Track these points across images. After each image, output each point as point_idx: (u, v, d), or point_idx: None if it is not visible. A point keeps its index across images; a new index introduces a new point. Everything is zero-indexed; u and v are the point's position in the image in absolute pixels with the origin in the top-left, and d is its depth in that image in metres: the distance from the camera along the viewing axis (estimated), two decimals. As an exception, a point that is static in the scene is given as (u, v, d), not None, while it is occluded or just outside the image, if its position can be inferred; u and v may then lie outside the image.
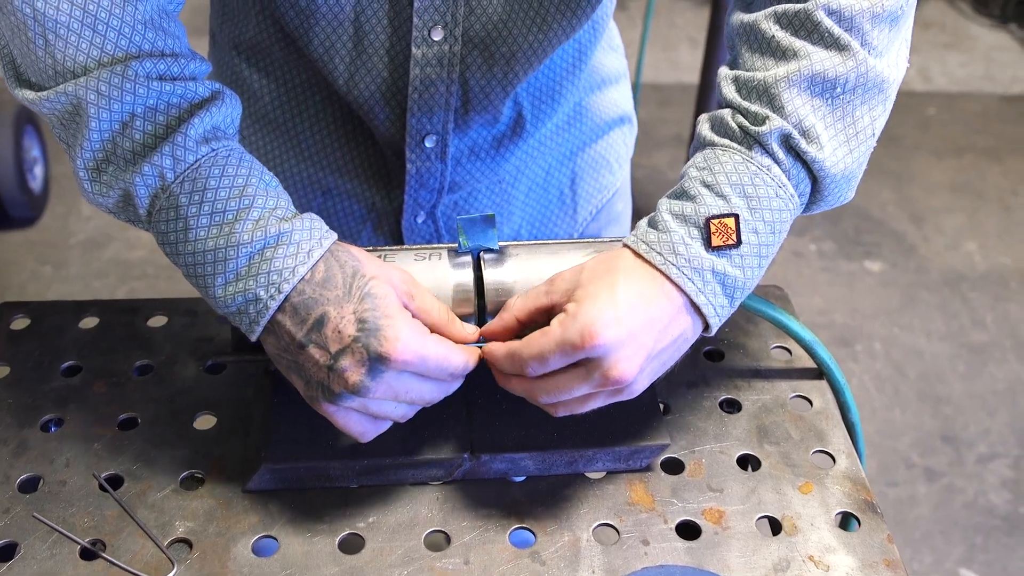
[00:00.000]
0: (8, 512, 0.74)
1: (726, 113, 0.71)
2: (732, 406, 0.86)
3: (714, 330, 0.69)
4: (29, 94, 0.70)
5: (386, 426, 0.70)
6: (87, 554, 0.71)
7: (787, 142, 0.69)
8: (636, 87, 2.71)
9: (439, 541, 0.73)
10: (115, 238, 2.70)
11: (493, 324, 0.72)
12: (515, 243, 0.79)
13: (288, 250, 0.66)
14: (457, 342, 0.70)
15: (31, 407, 0.82)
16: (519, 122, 0.95)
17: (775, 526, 0.76)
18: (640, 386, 0.68)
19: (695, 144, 0.74)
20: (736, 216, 0.67)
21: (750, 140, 0.69)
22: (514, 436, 0.77)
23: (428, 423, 0.77)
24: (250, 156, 0.71)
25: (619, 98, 1.08)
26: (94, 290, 2.52)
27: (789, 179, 0.69)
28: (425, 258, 0.77)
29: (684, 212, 0.68)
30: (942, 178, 3.07)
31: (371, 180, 0.96)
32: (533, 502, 0.76)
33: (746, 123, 0.69)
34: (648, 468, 0.79)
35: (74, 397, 0.83)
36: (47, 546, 0.72)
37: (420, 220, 0.98)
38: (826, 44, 0.69)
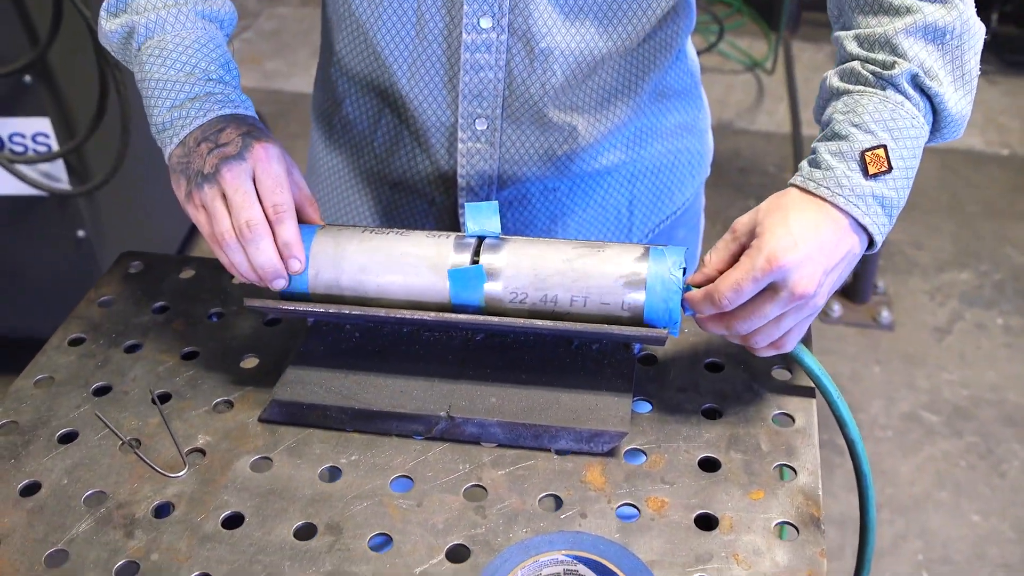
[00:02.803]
0: (79, 408, 0.91)
1: (855, 64, 0.85)
2: (713, 415, 0.89)
3: (879, 245, 0.83)
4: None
5: (243, 213, 0.85)
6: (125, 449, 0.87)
7: (915, 81, 0.82)
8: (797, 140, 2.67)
9: (404, 484, 0.83)
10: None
11: (693, 280, 0.84)
12: (517, 236, 0.88)
13: (223, 99, 0.90)
14: (308, 219, 0.91)
15: (122, 332, 1.00)
16: (572, 135, 1.03)
17: (712, 523, 0.79)
18: (822, 300, 0.80)
19: (824, 96, 0.87)
20: (885, 147, 0.80)
21: (883, 83, 0.82)
22: (488, 404, 0.85)
23: (418, 386, 0.87)
24: (226, 48, 0.94)
25: (688, 123, 1.14)
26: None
27: (919, 112, 0.82)
28: (434, 238, 0.88)
29: (841, 150, 0.81)
30: None
31: (429, 177, 1.08)
32: (495, 467, 0.84)
33: (877, 69, 0.83)
34: (611, 454, 0.85)
35: (156, 330, 1.00)
36: (98, 438, 0.88)
37: None
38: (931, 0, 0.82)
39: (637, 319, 0.84)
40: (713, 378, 0.93)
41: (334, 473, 0.84)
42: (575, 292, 0.84)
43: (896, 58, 0.82)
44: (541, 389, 0.87)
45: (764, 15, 3.95)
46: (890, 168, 0.80)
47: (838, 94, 0.85)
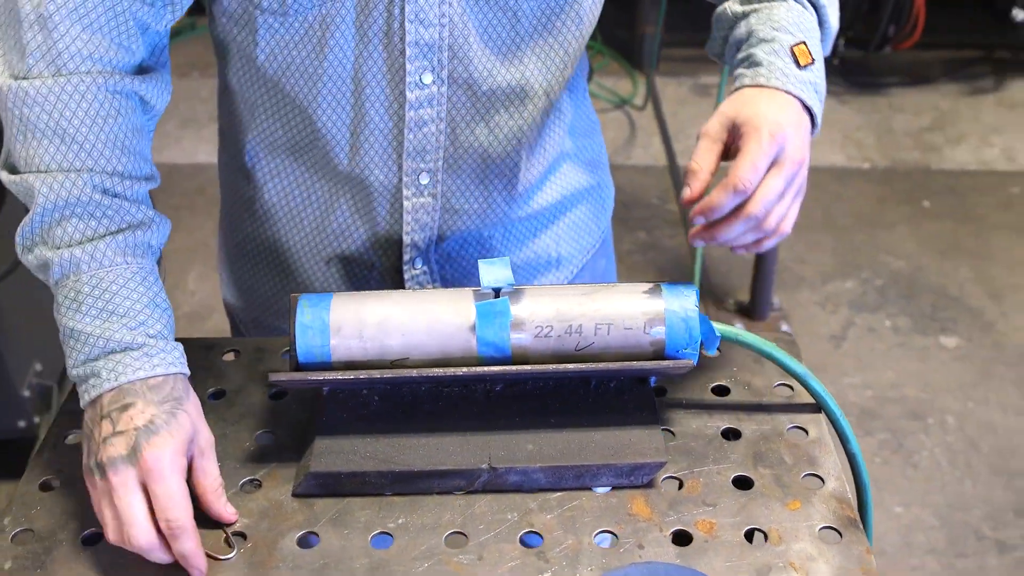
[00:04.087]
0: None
1: None
2: (733, 435, 0.94)
3: (819, 127, 0.93)
4: (6, 176, 0.88)
5: (130, 529, 0.78)
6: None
7: None
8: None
9: (458, 540, 0.83)
10: (216, 311, 2.91)
11: (695, 191, 0.88)
12: (526, 286, 0.90)
13: (141, 357, 0.83)
14: (214, 516, 0.83)
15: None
16: (513, 173, 1.07)
17: (762, 536, 0.83)
18: (806, 172, 0.90)
19: (725, 25, 0.99)
20: (805, 42, 0.92)
21: None
22: (527, 451, 0.87)
23: (453, 442, 0.88)
24: (153, 280, 0.87)
25: (597, 158, 1.21)
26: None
27: (815, 19, 0.97)
28: (452, 293, 0.89)
29: (774, 49, 0.91)
30: (1022, 256, 3.05)
31: (369, 242, 1.09)
32: (543, 511, 0.86)
33: None
34: (650, 485, 0.88)
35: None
36: (127, 534, 0.84)
37: (419, 268, 1.10)
38: None
39: (659, 349, 0.88)
40: (722, 402, 0.98)
41: (385, 539, 0.84)
42: (598, 320, 0.87)
43: None
44: (573, 431, 0.89)
45: (625, 54, 4.12)
46: (813, 60, 0.92)
47: (744, 15, 0.97)
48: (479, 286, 0.88)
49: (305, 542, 0.84)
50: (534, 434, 0.89)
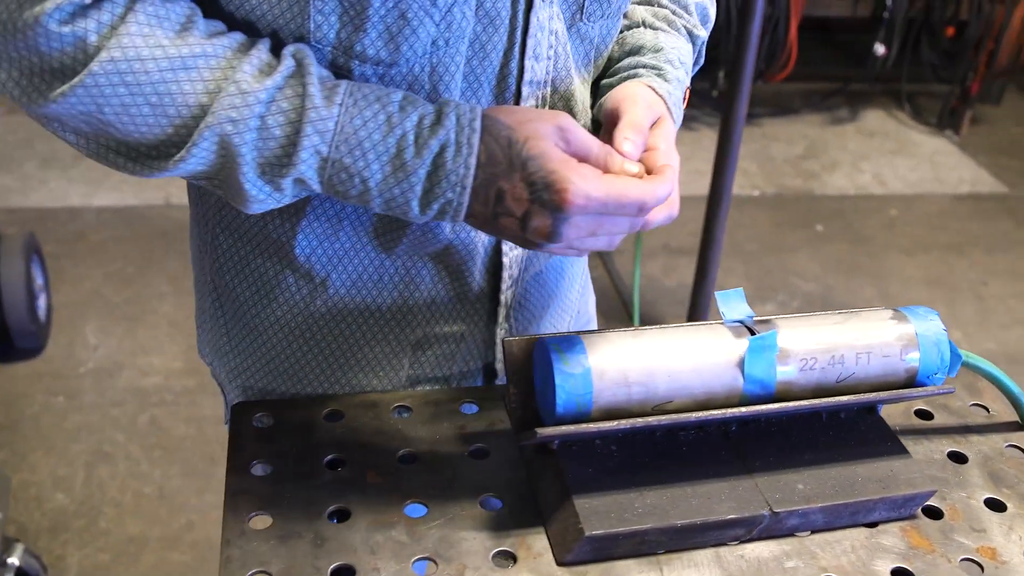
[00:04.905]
0: (335, 602, 0.75)
1: (667, 12, 1.00)
2: (958, 458, 0.93)
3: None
4: (165, 161, 0.75)
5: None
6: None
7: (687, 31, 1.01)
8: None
9: (755, 596, 0.77)
10: (126, 366, 2.65)
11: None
12: (773, 317, 0.86)
13: (451, 151, 0.74)
14: (618, 174, 0.78)
15: (310, 500, 0.84)
16: None
17: (1046, 559, 0.82)
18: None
19: (629, 23, 0.98)
20: (690, 89, 0.98)
21: (686, 33, 1.00)
22: (798, 492, 0.82)
23: (719, 489, 0.82)
24: (362, 83, 0.77)
25: None
26: (113, 418, 2.47)
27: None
28: (705, 327, 0.83)
29: (677, 77, 0.93)
30: (915, 273, 3.27)
31: (458, 313, 0.99)
32: (825, 552, 0.81)
33: (685, 22, 1.00)
34: (913, 516, 0.85)
35: (351, 489, 0.85)
36: (389, 627, 0.73)
37: (504, 328, 1.02)
38: None
39: (911, 376, 0.86)
40: (924, 426, 0.96)
41: (680, 601, 0.76)
42: (859, 349, 0.84)
43: (685, 14, 1.01)
44: (832, 466, 0.85)
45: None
46: (687, 102, 0.96)
47: (653, 27, 0.97)
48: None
49: (596, 615, 0.75)
50: (796, 473, 0.84)
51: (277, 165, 0.75)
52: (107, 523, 2.16)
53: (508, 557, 0.79)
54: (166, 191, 3.44)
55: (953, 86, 4.18)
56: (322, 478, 0.86)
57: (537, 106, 0.89)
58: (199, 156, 0.74)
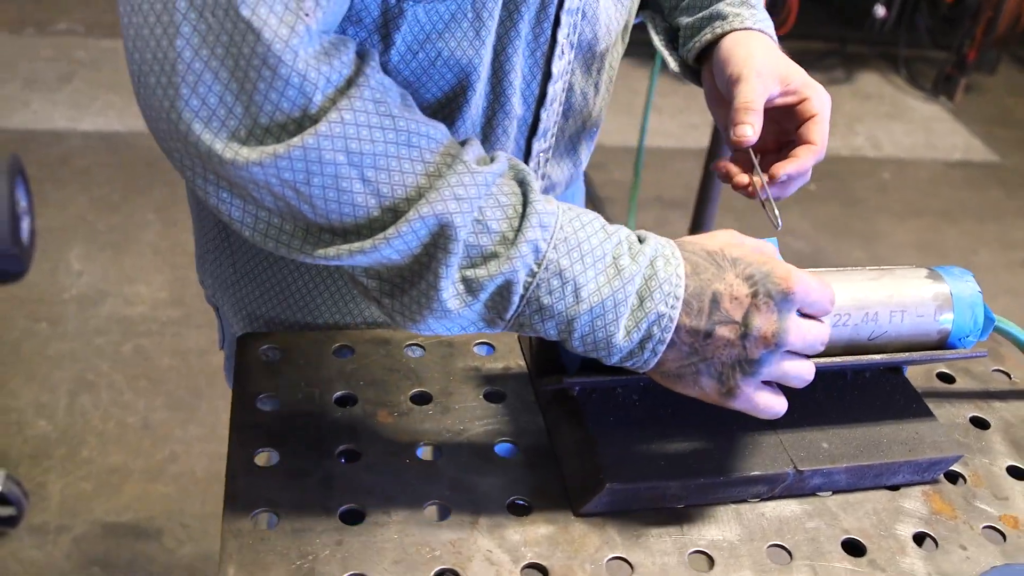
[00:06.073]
0: (341, 545, 0.72)
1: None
2: (980, 424, 0.91)
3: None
4: (352, 245, 0.64)
5: (784, 401, 0.73)
6: (449, 578, 0.70)
7: None
8: (640, 151, 2.81)
9: (780, 555, 0.75)
10: (110, 293, 2.60)
11: (757, 129, 0.85)
12: (811, 269, 0.83)
13: (661, 261, 0.69)
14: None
15: (319, 438, 0.81)
16: (590, 139, 1.03)
17: (1070, 530, 0.81)
18: None
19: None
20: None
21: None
22: (823, 451, 0.80)
23: (744, 443, 0.79)
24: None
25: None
26: (97, 347, 2.42)
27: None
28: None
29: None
30: (906, 238, 3.26)
31: None
32: (847, 513, 0.79)
33: None
34: (936, 481, 0.83)
35: (361, 428, 0.82)
36: None
37: None
38: None
39: (943, 337, 0.83)
40: (953, 390, 0.95)
41: (701, 559, 0.75)
42: (893, 307, 0.81)
43: None
44: (857, 426, 0.83)
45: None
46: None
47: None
48: None
49: (617, 569, 0.73)
50: (821, 431, 0.82)
51: (484, 262, 0.65)
52: (89, 452, 2.12)
53: (523, 505, 0.77)
54: (152, 118, 3.35)
55: (950, 53, 4.14)
56: (331, 415, 0.83)
57: (569, 33, 0.85)
58: (406, 238, 0.63)
